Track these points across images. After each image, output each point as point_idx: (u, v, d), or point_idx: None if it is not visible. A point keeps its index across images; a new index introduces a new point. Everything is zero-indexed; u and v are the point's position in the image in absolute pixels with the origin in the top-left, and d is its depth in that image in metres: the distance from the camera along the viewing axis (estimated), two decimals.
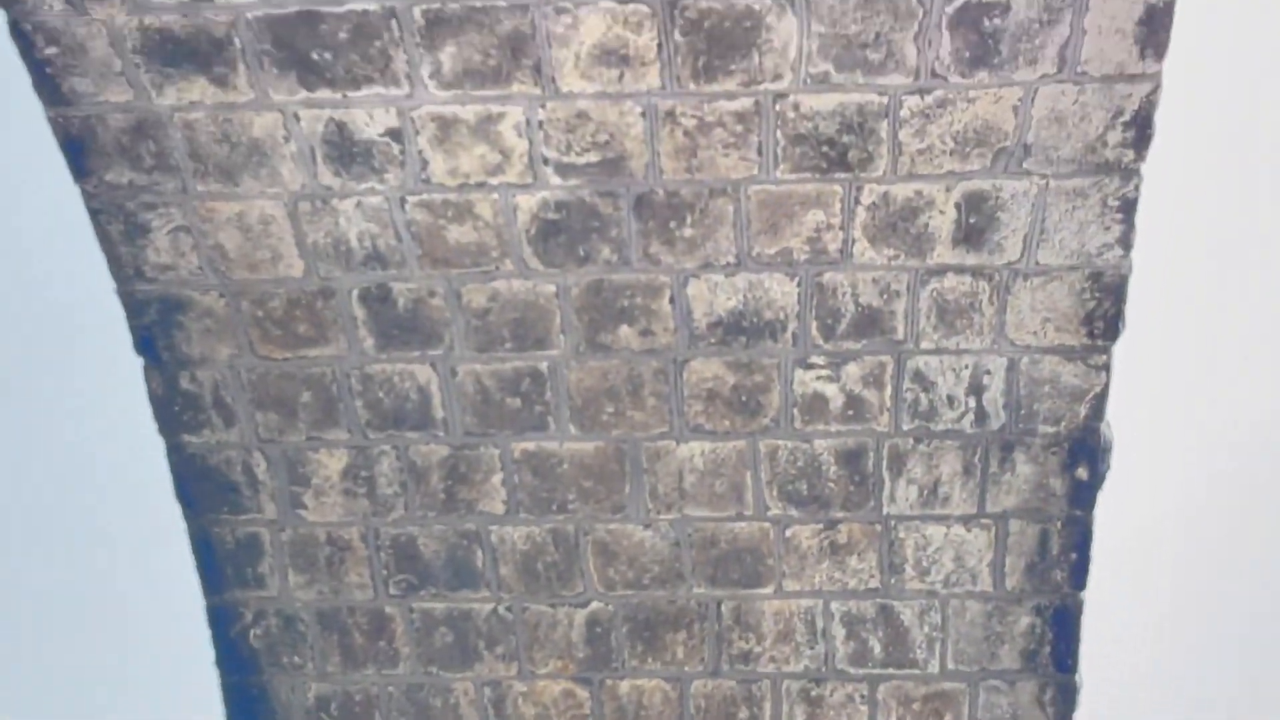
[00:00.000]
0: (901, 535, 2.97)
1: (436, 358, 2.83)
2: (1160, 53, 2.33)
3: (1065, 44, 2.33)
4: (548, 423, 2.90)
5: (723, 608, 3.08)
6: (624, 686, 3.15)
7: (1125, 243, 2.57)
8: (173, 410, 2.95)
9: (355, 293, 2.75)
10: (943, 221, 2.58)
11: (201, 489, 3.03)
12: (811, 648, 3.08)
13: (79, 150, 2.59)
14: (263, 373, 2.88)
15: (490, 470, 2.95)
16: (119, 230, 2.71)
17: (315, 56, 2.43)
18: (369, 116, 2.51)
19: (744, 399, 2.84)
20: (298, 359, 2.85)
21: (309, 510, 3.02)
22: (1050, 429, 2.81)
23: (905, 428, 2.84)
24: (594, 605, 3.10)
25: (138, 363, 2.89)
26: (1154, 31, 2.31)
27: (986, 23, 2.32)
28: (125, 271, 2.77)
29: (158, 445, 3.02)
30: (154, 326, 2.83)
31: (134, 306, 2.81)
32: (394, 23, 2.38)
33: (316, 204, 2.64)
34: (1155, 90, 2.38)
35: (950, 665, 3.07)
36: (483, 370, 2.84)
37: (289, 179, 2.61)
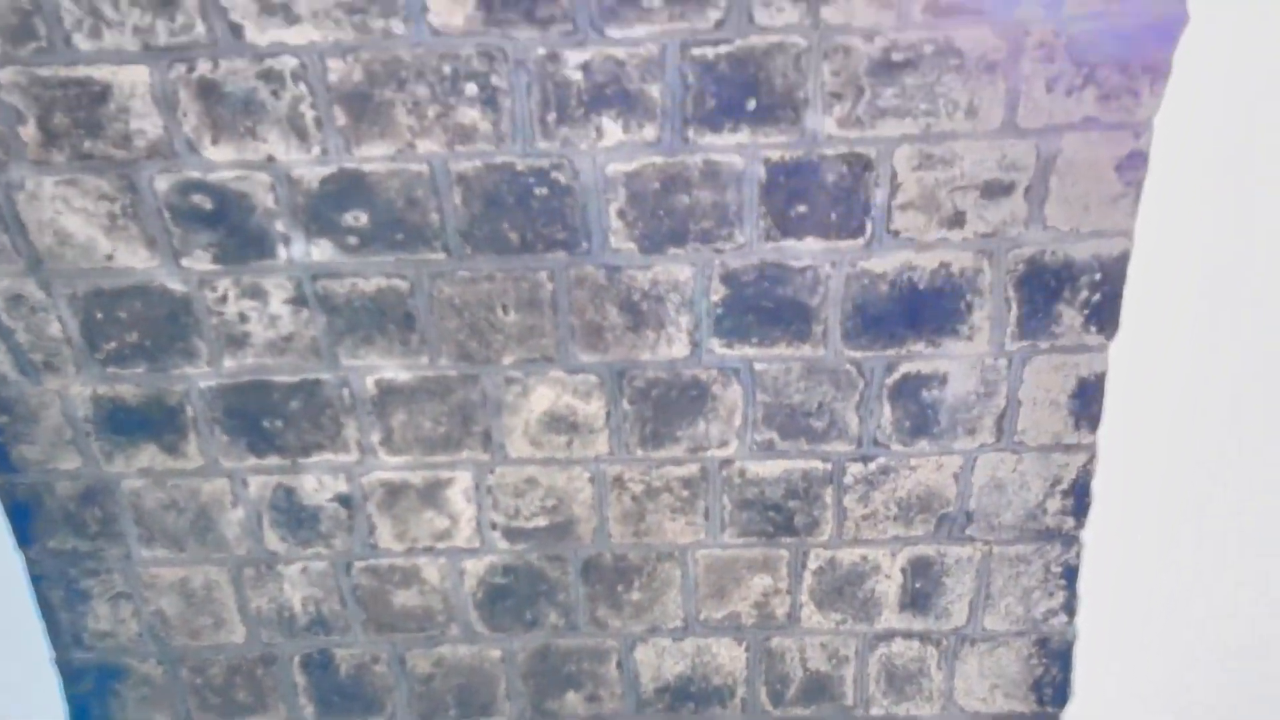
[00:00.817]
0: None
1: None
2: (1094, 424, 2.01)
3: (1002, 415, 2.01)
4: None
5: None
6: None
7: (1069, 608, 2.17)
8: None
9: (297, 659, 2.27)
10: (889, 586, 2.18)
11: None
12: None
13: (25, 517, 2.16)
14: None
15: None
16: (59, 597, 2.24)
17: (266, 424, 2.05)
18: (318, 482, 2.11)
19: None
20: None
21: None
22: None
23: None
24: None
25: None
26: (1087, 404, 2.00)
27: (925, 394, 2.00)
28: (63, 639, 2.27)
29: None
30: (90, 696, 2.31)
31: (70, 675, 2.30)
32: (346, 392, 2.01)
33: (261, 569, 2.20)
34: (1091, 460, 2.05)
35: None
36: None
37: (235, 544, 2.18)
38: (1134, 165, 1.81)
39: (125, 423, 2.09)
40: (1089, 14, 1.69)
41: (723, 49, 1.74)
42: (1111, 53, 1.71)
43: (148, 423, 2.09)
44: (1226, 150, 1.82)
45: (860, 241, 1.89)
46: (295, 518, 2.17)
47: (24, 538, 2.20)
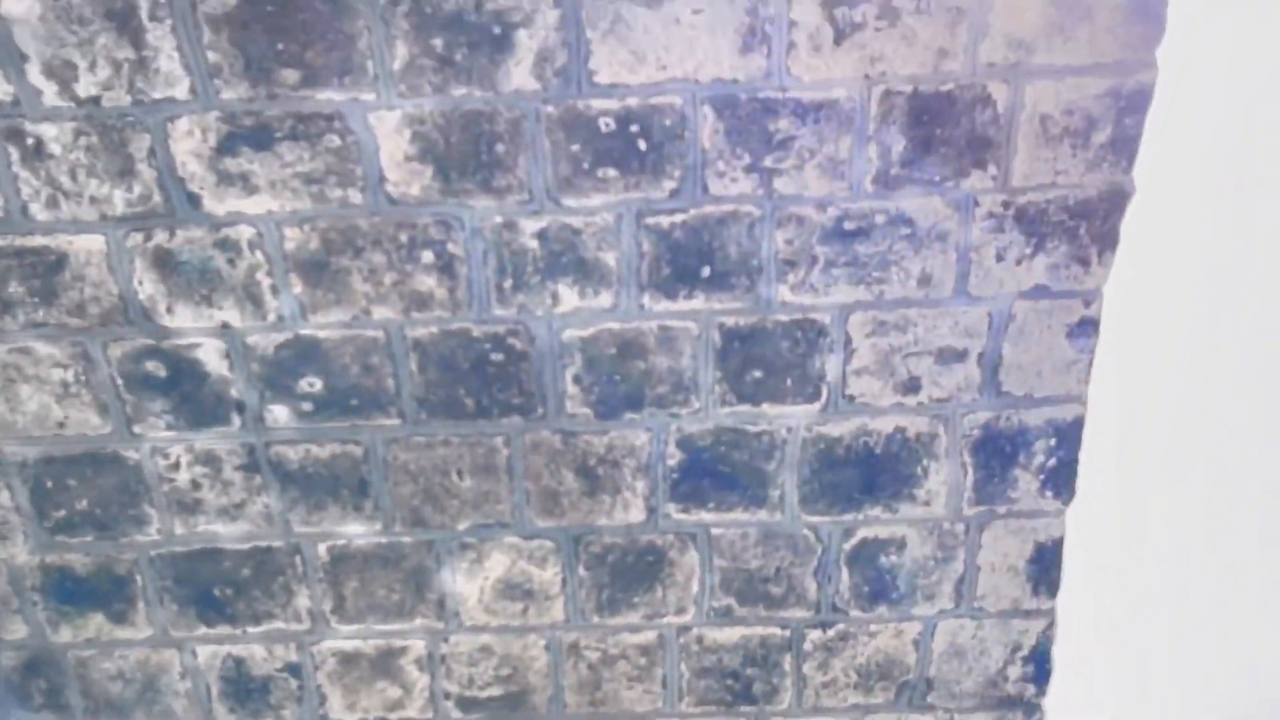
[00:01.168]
0: None
1: None
2: (1053, 590, 1.83)
3: (961, 580, 1.82)
4: None
5: None
6: None
7: None
8: None
9: None
10: None
11: None
12: None
13: None
14: None
15: None
16: None
17: (216, 593, 1.83)
18: (268, 652, 1.88)
19: None
20: None
21: None
22: None
23: None
24: None
25: None
26: (1045, 569, 1.81)
27: (884, 559, 1.81)
28: None
29: None
30: None
31: None
32: (298, 559, 1.80)
33: None
34: (1050, 626, 1.85)
35: None
36: None
37: (183, 715, 1.93)
38: (1085, 332, 1.67)
39: (73, 592, 1.86)
40: (1036, 185, 1.58)
41: (678, 218, 1.61)
42: (1059, 223, 1.59)
43: (96, 592, 1.87)
44: (1177, 317, 1.69)
45: (816, 406, 1.73)
46: (244, 688, 1.93)
47: None
